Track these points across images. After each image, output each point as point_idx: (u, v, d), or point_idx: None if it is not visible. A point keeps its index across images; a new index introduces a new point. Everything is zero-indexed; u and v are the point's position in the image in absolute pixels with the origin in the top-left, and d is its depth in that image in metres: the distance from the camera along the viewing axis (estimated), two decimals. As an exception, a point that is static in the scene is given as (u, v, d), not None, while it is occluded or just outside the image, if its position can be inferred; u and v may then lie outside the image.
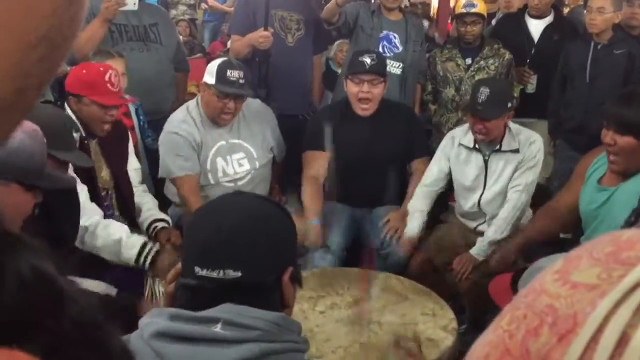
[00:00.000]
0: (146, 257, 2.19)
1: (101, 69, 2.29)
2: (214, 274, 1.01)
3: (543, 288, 0.36)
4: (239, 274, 1.00)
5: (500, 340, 0.36)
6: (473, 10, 3.29)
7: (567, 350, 0.32)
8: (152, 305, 2.04)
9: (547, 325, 0.33)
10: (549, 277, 0.36)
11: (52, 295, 0.39)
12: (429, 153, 2.97)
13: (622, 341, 0.30)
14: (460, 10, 3.34)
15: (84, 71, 2.30)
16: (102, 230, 2.18)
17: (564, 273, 0.36)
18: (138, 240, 2.22)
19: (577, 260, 0.36)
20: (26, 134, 1.53)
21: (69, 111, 2.27)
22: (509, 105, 2.57)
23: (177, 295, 1.07)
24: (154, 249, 2.22)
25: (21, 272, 0.37)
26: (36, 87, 0.38)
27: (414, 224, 2.72)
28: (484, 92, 2.49)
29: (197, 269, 1.02)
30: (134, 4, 3.05)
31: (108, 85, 2.24)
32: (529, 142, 2.61)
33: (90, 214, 2.17)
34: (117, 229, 2.22)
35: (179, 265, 1.10)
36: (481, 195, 2.70)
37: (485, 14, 3.42)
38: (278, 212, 1.11)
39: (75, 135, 2.14)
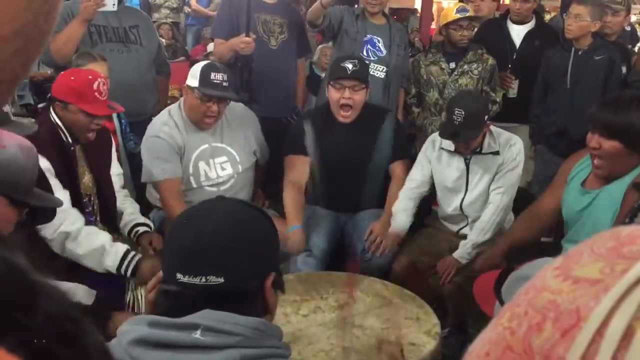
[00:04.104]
0: (128, 264, 2.15)
1: (90, 76, 2.25)
2: (196, 280, 0.99)
3: (544, 284, 0.35)
4: (221, 279, 0.99)
5: (501, 337, 0.35)
6: (467, 14, 3.35)
7: (571, 345, 0.31)
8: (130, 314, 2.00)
9: (550, 320, 0.33)
10: (549, 273, 0.36)
11: (25, 288, 0.37)
12: (410, 157, 2.97)
13: (628, 334, 0.30)
14: (454, 16, 3.37)
15: (72, 77, 2.25)
16: (85, 237, 2.14)
17: (565, 269, 0.35)
18: (121, 248, 2.18)
19: (577, 256, 0.36)
20: (21, 149, 1.50)
21: (54, 116, 2.24)
22: (486, 117, 2.57)
23: (158, 302, 1.05)
24: (137, 257, 2.18)
25: None
26: (10, 82, 0.37)
27: (401, 219, 2.71)
28: (460, 115, 2.48)
29: (178, 275, 1.00)
30: (113, 4, 3.02)
31: (96, 93, 2.21)
32: (509, 145, 2.63)
33: (72, 219, 2.13)
34: (100, 237, 2.18)
35: (160, 272, 1.09)
36: (463, 198, 2.71)
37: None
38: (260, 217, 1.10)
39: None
